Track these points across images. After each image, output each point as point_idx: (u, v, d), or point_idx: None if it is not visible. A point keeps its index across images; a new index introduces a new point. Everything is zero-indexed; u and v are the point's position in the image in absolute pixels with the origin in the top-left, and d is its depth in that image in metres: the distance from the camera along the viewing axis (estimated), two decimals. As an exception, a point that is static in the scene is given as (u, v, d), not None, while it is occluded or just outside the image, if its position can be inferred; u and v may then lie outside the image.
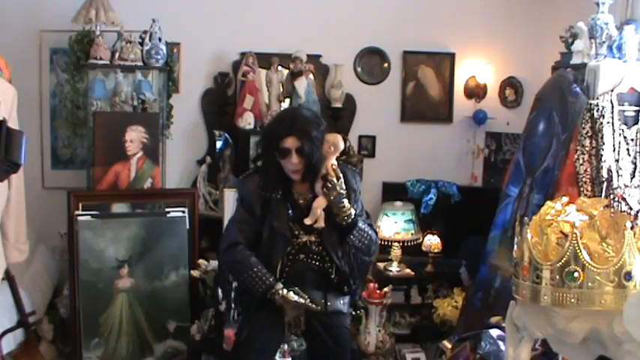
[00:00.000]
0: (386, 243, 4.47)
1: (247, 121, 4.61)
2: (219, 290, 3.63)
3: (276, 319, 2.82)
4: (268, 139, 2.84)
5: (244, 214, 2.83)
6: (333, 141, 2.79)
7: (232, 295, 3.47)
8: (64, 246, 4.30)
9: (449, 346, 3.72)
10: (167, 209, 4.18)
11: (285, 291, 2.72)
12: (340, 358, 2.90)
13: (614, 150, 3.35)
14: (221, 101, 4.82)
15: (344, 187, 2.75)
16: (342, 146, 2.80)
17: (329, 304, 2.82)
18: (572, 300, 2.05)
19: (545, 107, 3.70)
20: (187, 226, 4.14)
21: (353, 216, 2.77)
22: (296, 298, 2.73)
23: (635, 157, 3.40)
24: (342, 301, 2.88)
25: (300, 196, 2.84)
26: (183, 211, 4.17)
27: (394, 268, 4.47)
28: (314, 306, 2.76)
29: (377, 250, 3.24)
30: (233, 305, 3.52)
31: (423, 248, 4.65)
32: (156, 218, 4.16)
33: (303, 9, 4.91)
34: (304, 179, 2.78)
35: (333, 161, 2.78)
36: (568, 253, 2.05)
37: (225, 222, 4.29)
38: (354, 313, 3.77)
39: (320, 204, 2.75)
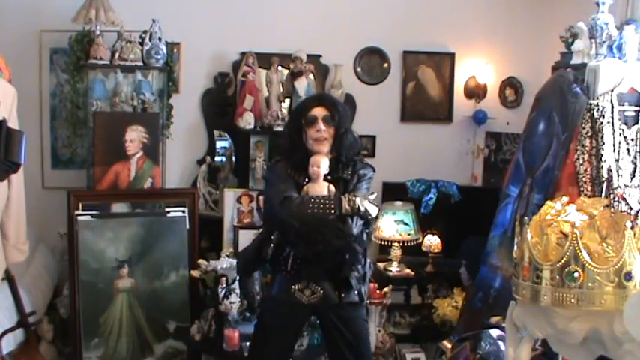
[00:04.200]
0: (386, 243, 4.46)
1: (247, 121, 4.60)
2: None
3: (292, 318, 2.87)
4: (296, 112, 2.97)
5: (282, 177, 2.86)
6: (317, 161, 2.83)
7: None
8: (64, 246, 4.30)
9: (449, 346, 3.72)
10: (167, 209, 4.19)
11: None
12: (360, 350, 2.92)
13: (614, 150, 3.35)
14: (221, 101, 4.81)
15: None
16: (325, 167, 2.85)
17: (343, 295, 2.85)
18: (572, 300, 2.05)
19: (545, 107, 3.70)
20: (187, 226, 4.15)
21: (356, 205, 2.79)
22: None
23: (635, 157, 3.40)
24: (355, 292, 2.90)
25: None
26: (183, 211, 4.17)
27: (394, 268, 4.47)
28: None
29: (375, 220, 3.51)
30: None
31: (423, 248, 4.64)
32: (156, 218, 4.17)
33: (304, 9, 4.90)
34: (331, 151, 2.83)
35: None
36: (568, 253, 2.05)
37: (226, 222, 4.34)
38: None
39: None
